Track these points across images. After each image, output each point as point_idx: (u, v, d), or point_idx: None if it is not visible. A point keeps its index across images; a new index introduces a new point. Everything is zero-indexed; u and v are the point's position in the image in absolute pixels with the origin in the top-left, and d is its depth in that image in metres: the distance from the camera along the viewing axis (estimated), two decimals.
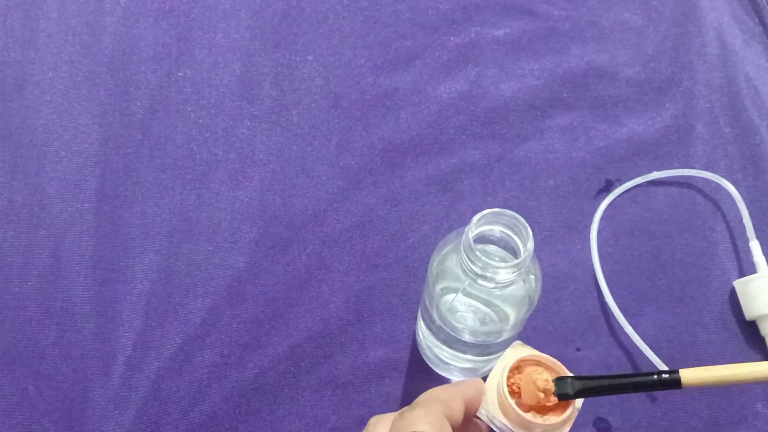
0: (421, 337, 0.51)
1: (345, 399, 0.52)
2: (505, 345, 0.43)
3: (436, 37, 0.66)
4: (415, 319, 0.54)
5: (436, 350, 0.49)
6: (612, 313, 0.54)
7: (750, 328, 0.54)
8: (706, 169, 0.59)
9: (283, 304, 0.55)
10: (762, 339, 0.53)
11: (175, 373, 0.52)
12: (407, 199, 0.59)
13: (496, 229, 0.41)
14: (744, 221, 0.56)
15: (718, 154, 0.61)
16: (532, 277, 0.43)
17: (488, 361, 0.48)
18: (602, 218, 0.58)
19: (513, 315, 0.44)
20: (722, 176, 0.58)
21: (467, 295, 0.43)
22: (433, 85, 0.63)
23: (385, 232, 0.57)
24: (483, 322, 0.44)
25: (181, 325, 0.54)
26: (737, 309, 0.55)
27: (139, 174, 0.59)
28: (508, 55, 0.65)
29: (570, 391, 0.37)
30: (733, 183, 0.58)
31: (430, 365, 0.52)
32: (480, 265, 0.39)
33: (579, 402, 0.38)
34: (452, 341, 0.46)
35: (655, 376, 0.36)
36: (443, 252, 0.44)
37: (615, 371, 0.53)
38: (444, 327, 0.44)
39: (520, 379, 0.38)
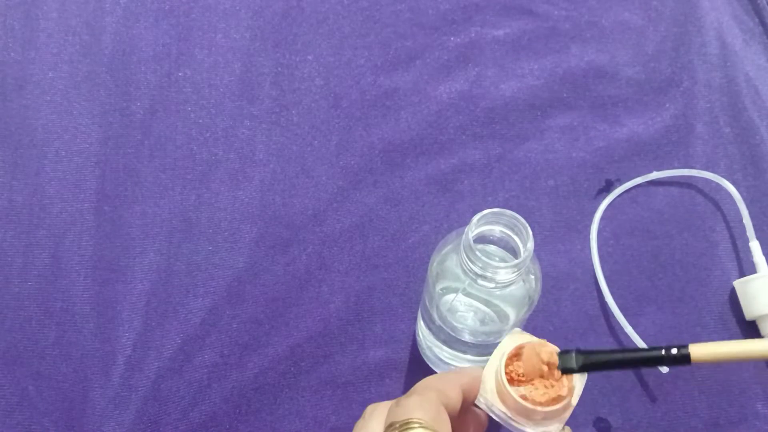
0: (421, 337, 0.51)
1: (345, 399, 0.52)
2: None
3: (436, 37, 0.66)
4: (415, 319, 0.54)
5: (436, 350, 0.49)
6: (612, 313, 0.54)
7: (750, 328, 0.54)
8: (706, 169, 0.59)
9: (283, 304, 0.55)
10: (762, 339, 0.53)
11: (175, 373, 0.52)
12: (407, 199, 0.59)
13: (496, 229, 0.41)
14: (744, 221, 0.56)
15: (718, 154, 0.61)
16: (532, 277, 0.43)
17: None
18: (602, 218, 0.58)
19: (513, 315, 0.44)
20: (722, 176, 0.58)
21: (467, 295, 0.43)
22: (433, 85, 0.63)
23: (385, 232, 0.57)
24: (483, 322, 0.44)
25: (181, 325, 0.54)
26: (737, 309, 0.55)
27: (139, 174, 0.59)
28: (508, 55, 0.65)
29: (574, 365, 0.36)
30: (733, 183, 0.58)
31: (430, 365, 0.52)
32: (480, 265, 0.39)
33: (578, 390, 0.38)
34: (452, 341, 0.46)
35: (664, 352, 0.35)
36: (443, 252, 0.44)
37: (615, 371, 0.53)
38: (444, 327, 0.44)
39: (519, 366, 0.38)
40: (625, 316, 0.53)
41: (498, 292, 0.42)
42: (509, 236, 0.41)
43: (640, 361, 0.36)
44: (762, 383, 0.53)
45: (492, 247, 0.43)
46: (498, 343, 0.42)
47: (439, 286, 0.44)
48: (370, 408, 0.36)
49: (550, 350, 0.37)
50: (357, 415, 0.51)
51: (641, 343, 0.52)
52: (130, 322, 0.54)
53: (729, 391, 0.52)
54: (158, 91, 0.62)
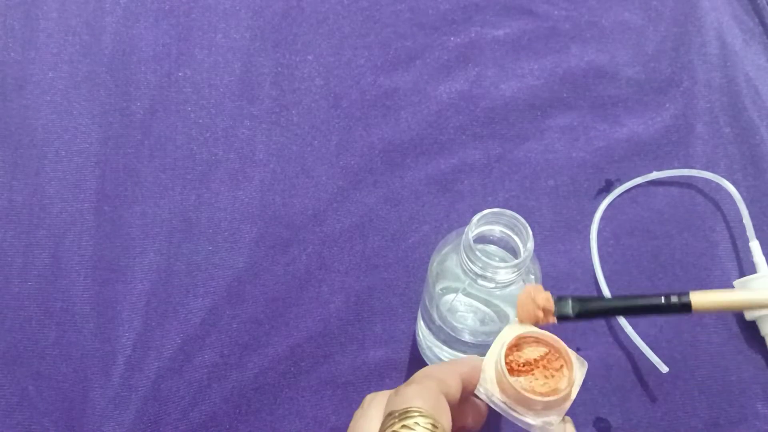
0: (421, 337, 0.51)
1: (345, 399, 0.52)
2: None
3: (436, 37, 0.66)
4: (415, 319, 0.54)
5: (436, 350, 0.49)
6: None
7: (750, 328, 0.54)
8: (706, 169, 0.59)
9: (283, 304, 0.55)
10: (762, 339, 0.53)
11: (175, 373, 0.52)
12: (407, 199, 0.59)
13: (496, 229, 0.41)
14: (744, 221, 0.56)
15: (718, 154, 0.61)
16: (532, 277, 0.43)
17: None
18: (602, 218, 0.58)
19: (513, 315, 0.43)
20: (722, 176, 0.58)
21: (467, 295, 0.43)
22: (433, 85, 0.63)
23: (385, 232, 0.57)
24: (483, 322, 0.44)
25: (181, 325, 0.54)
26: None
27: (139, 174, 0.59)
28: (508, 55, 0.65)
29: (570, 312, 0.35)
30: (733, 183, 0.58)
31: (430, 365, 0.52)
32: (480, 265, 0.39)
33: (579, 381, 0.37)
34: (452, 341, 0.46)
35: (663, 300, 0.34)
36: (443, 252, 0.44)
37: (615, 371, 0.53)
38: (444, 327, 0.44)
39: (520, 356, 0.38)
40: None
41: (498, 292, 0.42)
42: (509, 236, 0.41)
43: (638, 309, 0.35)
44: (762, 383, 0.52)
45: (492, 247, 0.43)
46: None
47: (439, 286, 0.44)
48: (369, 397, 0.36)
49: (546, 296, 0.36)
50: None
51: (641, 343, 0.52)
52: (130, 322, 0.54)
53: (729, 391, 0.52)
54: (158, 91, 0.62)
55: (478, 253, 0.38)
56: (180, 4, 0.66)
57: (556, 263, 0.56)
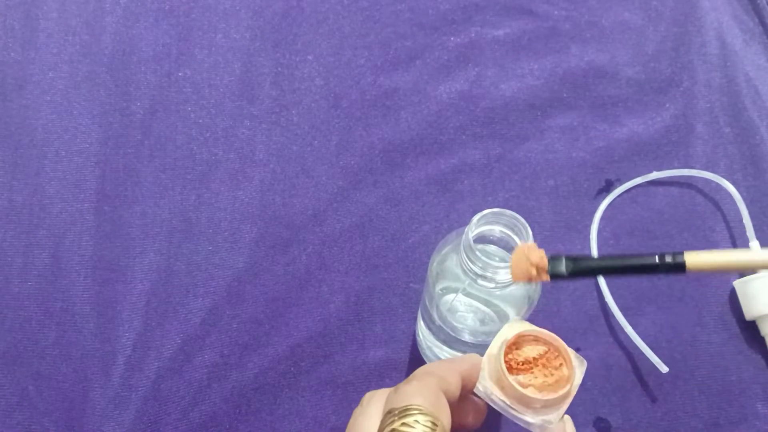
0: (421, 337, 0.51)
1: (345, 399, 0.52)
2: None
3: (436, 37, 0.66)
4: (415, 319, 0.54)
5: (436, 350, 0.49)
6: (612, 313, 0.54)
7: (750, 328, 0.54)
8: (706, 169, 0.59)
9: (283, 304, 0.55)
10: (762, 339, 0.53)
11: (175, 373, 0.52)
12: (407, 199, 0.59)
13: (496, 229, 0.41)
14: (744, 221, 0.56)
15: (718, 154, 0.61)
16: None
17: None
18: (602, 218, 0.58)
19: (513, 315, 0.43)
20: (722, 176, 0.58)
21: (467, 295, 0.43)
22: (433, 85, 0.63)
23: (385, 232, 0.57)
24: (483, 322, 0.44)
25: (181, 325, 0.54)
26: (737, 309, 0.55)
27: (139, 174, 0.59)
28: (508, 55, 0.65)
29: (564, 270, 0.35)
30: (733, 183, 0.58)
31: (430, 363, 0.52)
32: (480, 265, 0.39)
33: (578, 379, 0.37)
34: (452, 341, 0.46)
35: (657, 259, 0.33)
36: (443, 252, 0.44)
37: (615, 371, 0.53)
38: (444, 327, 0.44)
39: (519, 354, 0.38)
40: (625, 316, 0.53)
41: (498, 292, 0.42)
42: (509, 236, 0.41)
43: (632, 268, 0.34)
44: (762, 383, 0.52)
45: (492, 247, 0.43)
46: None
47: (439, 286, 0.44)
48: (368, 395, 0.36)
49: (540, 254, 0.36)
50: None
51: (641, 343, 0.52)
52: (130, 322, 0.54)
53: (729, 391, 0.52)
54: (158, 91, 0.62)
55: (478, 253, 0.38)
56: (180, 4, 0.66)
57: None
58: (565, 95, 0.63)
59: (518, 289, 0.43)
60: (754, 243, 0.55)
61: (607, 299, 0.54)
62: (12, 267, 0.55)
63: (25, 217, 0.57)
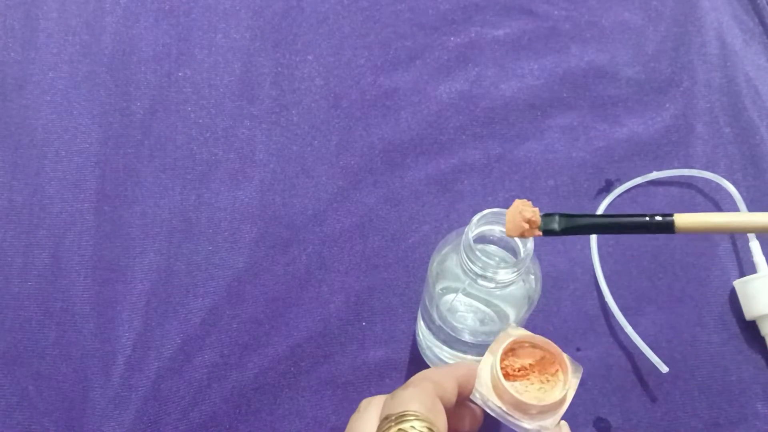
0: (421, 337, 0.51)
1: (345, 399, 0.52)
2: None
3: (436, 37, 0.66)
4: (415, 319, 0.54)
5: (436, 350, 0.49)
6: (612, 313, 0.54)
7: (750, 328, 0.54)
8: (706, 169, 0.59)
9: (283, 304, 0.55)
10: (762, 339, 0.53)
11: (175, 373, 0.52)
12: (407, 199, 0.59)
13: (496, 229, 0.41)
14: None
15: (718, 154, 0.61)
16: (532, 277, 0.43)
17: None
18: None
19: (513, 315, 0.44)
20: (722, 176, 0.58)
21: (467, 295, 0.43)
22: (433, 85, 0.63)
23: (385, 232, 0.57)
24: (483, 322, 0.44)
25: (181, 325, 0.54)
26: (737, 309, 0.55)
27: (139, 174, 0.59)
28: (508, 55, 0.65)
29: (556, 227, 0.35)
30: (733, 183, 0.58)
31: (430, 365, 0.52)
32: (480, 265, 0.39)
33: (574, 385, 0.38)
34: (452, 341, 0.46)
35: (648, 218, 0.34)
36: (443, 252, 0.44)
37: (615, 371, 0.53)
38: (444, 327, 0.44)
39: (515, 361, 0.38)
40: (625, 316, 0.53)
41: (498, 292, 0.42)
42: None
43: (623, 227, 0.35)
44: (762, 383, 0.52)
45: (492, 247, 0.43)
46: None
47: (439, 286, 0.44)
48: (365, 402, 0.36)
49: (533, 210, 0.36)
50: None
51: (641, 343, 0.52)
52: (130, 322, 0.54)
53: (729, 391, 0.52)
54: (158, 91, 0.62)
55: (478, 253, 0.38)
56: (180, 4, 0.66)
57: (556, 263, 0.56)
58: (565, 95, 0.63)
59: (518, 289, 0.43)
60: (755, 243, 0.55)
61: (607, 299, 0.54)
62: (12, 267, 0.55)
63: (25, 217, 0.57)
